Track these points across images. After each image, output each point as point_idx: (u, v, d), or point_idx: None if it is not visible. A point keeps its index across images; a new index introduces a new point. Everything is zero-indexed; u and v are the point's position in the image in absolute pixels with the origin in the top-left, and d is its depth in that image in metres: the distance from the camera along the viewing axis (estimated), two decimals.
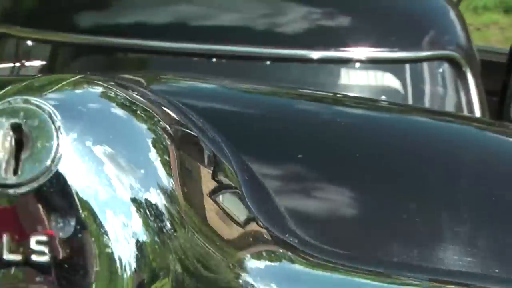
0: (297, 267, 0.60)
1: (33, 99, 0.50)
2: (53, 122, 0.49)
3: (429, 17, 1.77)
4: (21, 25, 1.57)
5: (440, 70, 1.72)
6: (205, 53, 1.54)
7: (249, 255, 0.58)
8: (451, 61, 1.70)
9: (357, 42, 1.62)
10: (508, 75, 1.80)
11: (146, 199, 0.52)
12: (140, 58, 1.61)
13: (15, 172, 0.48)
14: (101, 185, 0.50)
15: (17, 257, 0.48)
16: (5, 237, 0.48)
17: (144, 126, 0.55)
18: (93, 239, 0.49)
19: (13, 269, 0.48)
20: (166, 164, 0.54)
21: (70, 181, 0.49)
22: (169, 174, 0.54)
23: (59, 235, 0.48)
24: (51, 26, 1.59)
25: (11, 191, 0.48)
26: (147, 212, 0.51)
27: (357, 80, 1.64)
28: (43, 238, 0.48)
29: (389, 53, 1.64)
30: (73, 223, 0.49)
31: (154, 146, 0.55)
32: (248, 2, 1.67)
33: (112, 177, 0.50)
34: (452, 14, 1.77)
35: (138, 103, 0.57)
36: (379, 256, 0.66)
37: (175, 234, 0.52)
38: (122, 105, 0.55)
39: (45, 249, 0.48)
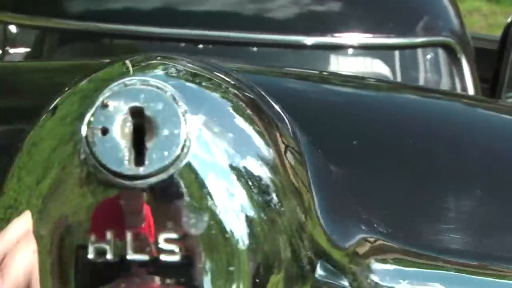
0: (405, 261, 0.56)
1: (153, 80, 0.44)
2: (179, 106, 0.43)
3: (423, 3, 1.77)
4: (10, 11, 1.51)
5: (435, 56, 1.72)
6: (194, 39, 1.51)
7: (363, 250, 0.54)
8: (446, 47, 1.70)
9: (351, 28, 1.61)
10: (499, 62, 1.80)
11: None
12: (128, 43, 1.57)
13: (140, 162, 0.42)
14: (232, 174, 0.45)
15: (143, 257, 0.43)
16: (129, 235, 0.43)
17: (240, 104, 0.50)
18: (227, 236, 0.44)
19: (138, 270, 0.43)
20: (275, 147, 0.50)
21: (201, 172, 0.44)
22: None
23: (190, 232, 0.43)
24: (39, 12, 1.53)
25: (137, 183, 0.42)
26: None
27: (351, 67, 1.62)
28: (173, 235, 0.43)
29: (384, 39, 1.63)
30: (206, 218, 0.43)
31: (258, 127, 0.50)
32: None
33: (239, 163, 0.46)
34: (446, 0, 1.77)
35: (228, 82, 0.52)
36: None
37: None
38: (218, 86, 0.50)
39: (175, 247, 0.43)
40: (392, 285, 0.53)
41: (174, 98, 0.44)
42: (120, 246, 0.43)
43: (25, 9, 1.53)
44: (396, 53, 1.65)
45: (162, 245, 0.43)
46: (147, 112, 0.43)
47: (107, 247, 0.43)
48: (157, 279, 0.43)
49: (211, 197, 0.44)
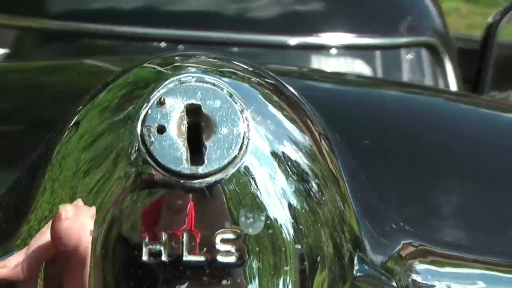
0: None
1: (209, 77, 0.43)
2: (236, 103, 0.42)
3: (406, 4, 1.78)
4: None
5: (418, 56, 1.73)
6: (176, 39, 1.50)
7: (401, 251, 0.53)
8: (429, 47, 1.72)
9: (334, 28, 1.62)
10: (481, 62, 1.82)
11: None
12: (108, 44, 1.55)
13: (198, 162, 0.41)
14: (280, 167, 0.44)
15: (199, 258, 0.42)
16: (185, 236, 0.42)
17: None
18: (283, 235, 0.43)
19: (193, 272, 0.42)
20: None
21: (257, 169, 0.43)
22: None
23: (248, 232, 0.42)
24: (18, 11, 1.51)
25: (195, 182, 0.41)
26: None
27: (334, 67, 1.62)
28: (230, 236, 0.42)
29: (366, 39, 1.64)
30: (263, 217, 0.43)
31: (290, 115, 0.49)
32: None
33: (284, 155, 0.45)
34: (428, 1, 1.79)
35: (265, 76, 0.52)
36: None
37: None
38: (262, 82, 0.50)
39: (231, 248, 0.42)
40: (432, 283, 0.53)
41: (231, 95, 0.43)
42: (176, 247, 0.42)
43: (3, 9, 1.50)
44: (379, 53, 1.66)
45: (219, 246, 0.42)
46: (205, 110, 0.42)
47: (161, 248, 0.42)
48: (213, 281, 0.42)
49: (267, 195, 0.43)
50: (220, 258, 0.42)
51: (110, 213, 0.42)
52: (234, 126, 0.42)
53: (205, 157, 0.41)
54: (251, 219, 0.42)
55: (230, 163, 0.42)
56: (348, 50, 1.62)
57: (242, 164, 0.42)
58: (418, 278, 0.53)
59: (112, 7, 1.53)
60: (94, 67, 0.95)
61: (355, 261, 0.49)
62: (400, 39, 1.65)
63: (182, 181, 0.41)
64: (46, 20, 1.49)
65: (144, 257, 0.42)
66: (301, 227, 0.44)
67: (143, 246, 0.42)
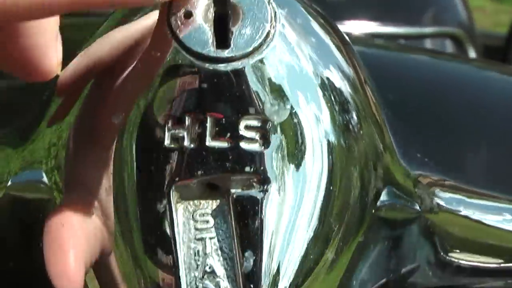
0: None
1: None
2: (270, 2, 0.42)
3: None
4: None
5: (442, 46, 1.73)
6: None
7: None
8: (454, 37, 1.73)
9: (359, 17, 1.62)
10: (504, 58, 1.82)
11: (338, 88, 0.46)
12: None
13: (224, 46, 0.41)
14: (313, 78, 0.44)
15: (222, 144, 0.42)
16: (208, 121, 0.41)
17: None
18: (308, 124, 0.43)
19: (216, 157, 0.41)
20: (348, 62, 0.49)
21: (285, 62, 0.43)
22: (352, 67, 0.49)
23: (272, 119, 0.42)
24: None
25: (221, 66, 0.41)
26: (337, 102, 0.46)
27: None
28: (254, 122, 0.42)
29: (392, 28, 1.64)
30: (288, 106, 0.42)
31: (336, 41, 0.49)
32: None
33: (320, 70, 0.45)
34: None
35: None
36: None
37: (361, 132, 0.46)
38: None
39: (255, 135, 0.42)
40: (457, 208, 0.53)
41: None
42: (199, 132, 0.41)
43: None
44: (402, 42, 1.66)
45: (243, 132, 0.42)
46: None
47: (184, 133, 0.41)
48: (235, 167, 0.42)
49: (294, 87, 0.43)
50: (243, 145, 0.42)
51: (132, 100, 0.42)
52: (260, 13, 0.42)
53: (232, 42, 0.41)
54: (276, 107, 0.42)
55: (257, 48, 0.42)
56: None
57: (269, 51, 0.42)
58: (441, 203, 0.53)
59: None
60: None
61: (384, 195, 0.49)
62: (425, 29, 1.67)
63: (207, 64, 0.41)
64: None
65: (167, 142, 0.42)
66: (330, 136, 0.44)
67: (166, 131, 0.42)
